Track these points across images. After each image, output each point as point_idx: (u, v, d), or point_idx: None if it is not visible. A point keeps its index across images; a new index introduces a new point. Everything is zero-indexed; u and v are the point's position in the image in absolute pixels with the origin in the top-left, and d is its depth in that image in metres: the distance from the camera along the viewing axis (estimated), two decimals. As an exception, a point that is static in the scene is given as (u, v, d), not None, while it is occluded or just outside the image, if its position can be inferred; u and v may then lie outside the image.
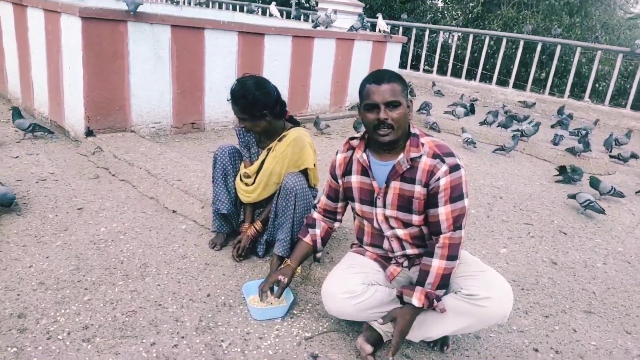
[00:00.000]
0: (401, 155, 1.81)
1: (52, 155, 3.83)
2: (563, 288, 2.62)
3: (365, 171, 1.92)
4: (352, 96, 6.63)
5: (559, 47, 9.39)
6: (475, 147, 5.47)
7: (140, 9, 4.08)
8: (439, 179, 1.75)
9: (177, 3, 9.83)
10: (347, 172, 2.00)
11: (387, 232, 1.94)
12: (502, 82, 10.35)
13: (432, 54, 11.57)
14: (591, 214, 3.80)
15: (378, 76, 1.79)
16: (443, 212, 1.76)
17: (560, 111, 8.32)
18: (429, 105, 6.72)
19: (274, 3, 9.45)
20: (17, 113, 4.08)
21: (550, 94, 9.75)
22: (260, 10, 12.65)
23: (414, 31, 11.22)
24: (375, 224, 1.96)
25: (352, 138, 2.01)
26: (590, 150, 5.43)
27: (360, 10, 9.46)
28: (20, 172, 3.43)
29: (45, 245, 2.50)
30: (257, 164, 2.48)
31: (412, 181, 1.80)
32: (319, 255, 2.21)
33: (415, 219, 1.85)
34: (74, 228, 2.71)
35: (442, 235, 1.77)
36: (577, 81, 11.80)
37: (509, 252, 2.99)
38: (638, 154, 5.60)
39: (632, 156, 5.49)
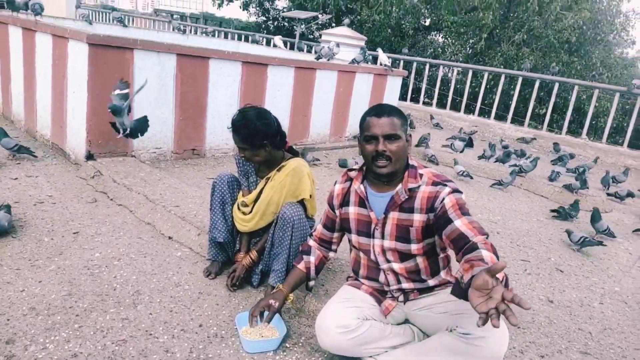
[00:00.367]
0: (399, 186, 1.84)
1: (51, 178, 3.84)
2: (559, 327, 2.60)
3: (362, 202, 1.94)
4: (352, 127, 6.70)
5: (556, 85, 9.55)
6: (471, 178, 5.51)
7: (147, 37, 4.17)
8: (443, 199, 1.76)
9: (184, 32, 10.04)
10: (345, 203, 2.02)
11: (384, 265, 1.95)
12: (501, 117, 10.48)
13: (432, 88, 11.76)
14: (588, 251, 3.79)
15: (379, 110, 1.85)
16: (461, 223, 1.66)
17: (555, 147, 8.40)
18: (428, 138, 6.78)
19: (279, 36, 9.66)
20: (2, 133, 4.09)
21: (548, 129, 9.86)
22: (264, 40, 12.92)
23: (414, 65, 11.43)
24: (372, 256, 1.96)
25: (351, 169, 2.04)
26: (588, 188, 5.46)
27: (362, 43, 9.69)
28: (18, 194, 3.43)
29: (38, 269, 2.48)
30: (255, 193, 2.49)
31: (410, 210, 1.83)
32: (311, 283, 2.20)
33: (414, 247, 1.85)
34: (68, 252, 2.70)
35: (477, 238, 1.57)
36: (576, 117, 11.98)
37: (506, 289, 2.96)
38: (635, 193, 5.63)
39: (628, 194, 5.52)
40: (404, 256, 1.90)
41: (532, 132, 9.56)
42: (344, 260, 2.79)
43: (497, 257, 1.51)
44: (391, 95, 7.23)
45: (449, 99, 10.78)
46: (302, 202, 2.44)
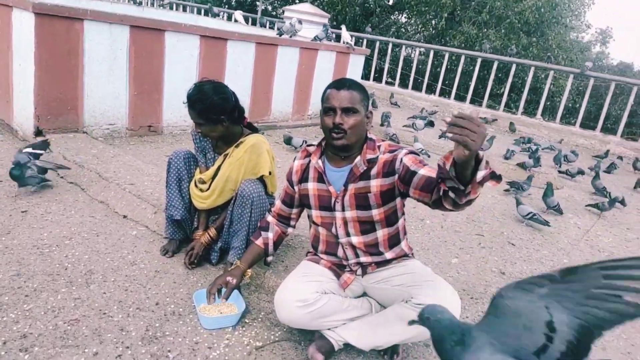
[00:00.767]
0: (358, 159, 1.84)
1: (-4, 155, 3.65)
2: (510, 298, 2.70)
3: (321, 178, 1.94)
4: (315, 105, 6.66)
5: (514, 66, 9.78)
6: (429, 156, 5.62)
7: (99, 7, 3.98)
8: (401, 159, 1.77)
9: (140, 4, 9.63)
10: (304, 179, 2.01)
11: (343, 239, 1.96)
12: (461, 98, 10.67)
13: (394, 67, 11.81)
14: (536, 225, 3.95)
15: (340, 83, 1.85)
16: (425, 172, 1.66)
17: (511, 127, 8.70)
18: (389, 117, 6.84)
19: (240, 11, 9.42)
20: None
21: (506, 109, 10.13)
22: (225, 15, 12.57)
23: (377, 44, 11.42)
24: (333, 230, 1.97)
25: (309, 145, 2.03)
26: (540, 166, 5.67)
27: (325, 21, 9.57)
28: (-40, 171, 3.24)
29: (-17, 250, 2.37)
30: (212, 169, 2.44)
31: (367, 178, 1.84)
32: (269, 259, 2.19)
33: (375, 213, 1.87)
34: (16, 232, 2.58)
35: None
36: (533, 97, 12.35)
37: (460, 262, 3.06)
38: (585, 170, 5.88)
39: (579, 172, 5.76)
40: (365, 228, 1.91)
41: (490, 112, 9.81)
42: (304, 237, 2.79)
43: None
44: (354, 73, 7.22)
45: (411, 78, 10.87)
46: (261, 179, 2.42)
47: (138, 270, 2.39)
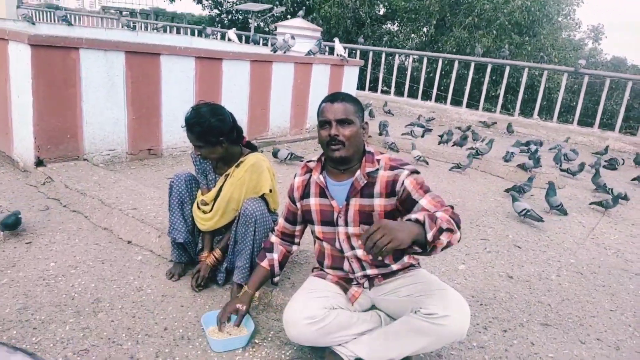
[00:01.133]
0: (358, 173, 1.85)
1: (-2, 188, 3.66)
2: (520, 301, 2.69)
3: (323, 192, 1.94)
4: (312, 119, 6.69)
5: (508, 68, 9.84)
6: (427, 163, 5.63)
7: (94, 35, 4.02)
8: (403, 182, 1.79)
9: (134, 29, 9.73)
10: (305, 195, 2.01)
11: (348, 253, 1.96)
12: (457, 102, 10.72)
13: (389, 76, 11.88)
14: (543, 226, 3.94)
15: (333, 96, 1.89)
16: (425, 202, 1.74)
17: (508, 128, 8.72)
18: (387, 125, 6.86)
19: (233, 29, 9.50)
20: None
21: (503, 111, 10.16)
22: (219, 34, 12.68)
23: (370, 54, 11.51)
24: (337, 245, 1.96)
25: (309, 161, 2.04)
26: (541, 166, 5.67)
27: (318, 34, 9.66)
28: (-37, 206, 3.25)
29: (-11, 284, 2.36)
30: (214, 190, 2.45)
31: (371, 195, 1.84)
32: (276, 279, 2.19)
33: None
34: (22, 264, 2.58)
35: (439, 211, 1.65)
36: (529, 97, 12.38)
37: (467, 268, 3.05)
38: (586, 167, 5.88)
39: (580, 170, 5.76)
40: None
41: (487, 115, 9.84)
42: (309, 252, 2.79)
43: (456, 222, 1.60)
44: (349, 85, 7.26)
45: (406, 86, 10.93)
46: (263, 197, 2.42)
47: (145, 296, 2.38)
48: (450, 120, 9.73)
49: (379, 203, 1.84)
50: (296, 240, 2.16)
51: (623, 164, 6.75)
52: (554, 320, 2.53)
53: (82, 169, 3.95)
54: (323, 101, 1.89)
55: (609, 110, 13.73)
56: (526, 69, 9.67)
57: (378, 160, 1.87)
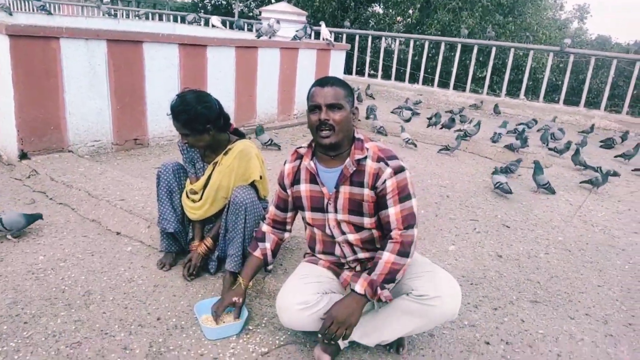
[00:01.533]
0: (347, 160, 1.84)
1: (-18, 182, 3.60)
2: (509, 280, 2.73)
3: (313, 179, 1.93)
4: (300, 104, 6.65)
5: (494, 49, 9.83)
6: (415, 146, 5.65)
7: (74, 24, 3.93)
8: (384, 181, 1.79)
9: (115, 16, 9.53)
10: (296, 181, 2.00)
11: (339, 238, 1.96)
12: (444, 84, 10.71)
13: (376, 60, 11.82)
14: (531, 204, 3.98)
15: (323, 80, 1.87)
16: (392, 212, 1.80)
17: (495, 109, 8.75)
18: (374, 110, 6.84)
19: (216, 16, 9.35)
20: None
21: (490, 92, 10.18)
22: (202, 21, 12.48)
23: (357, 38, 11.42)
24: (327, 230, 1.96)
25: (300, 147, 2.02)
26: (528, 146, 5.72)
27: (303, 19, 9.54)
28: (-54, 202, 3.19)
29: (-23, 280, 2.33)
30: (203, 179, 2.43)
31: (361, 184, 1.84)
32: (270, 267, 2.19)
33: (367, 221, 1.87)
34: (9, 259, 2.55)
35: (394, 232, 1.80)
36: (514, 77, 12.42)
37: (457, 249, 3.08)
38: (572, 146, 5.94)
39: (567, 148, 5.81)
40: (358, 227, 1.92)
41: (474, 96, 9.86)
42: (301, 238, 2.79)
43: (406, 252, 1.76)
44: (336, 69, 7.21)
45: (393, 69, 10.89)
46: (253, 184, 2.40)
47: (136, 287, 2.37)
48: (438, 103, 9.73)
49: (368, 193, 1.83)
50: (288, 227, 2.15)
51: (621, 143, 6.79)
52: (543, 297, 2.57)
53: (68, 160, 3.89)
54: (313, 85, 1.87)
55: (595, 88, 13.83)
56: (512, 50, 9.68)
57: (367, 149, 1.86)
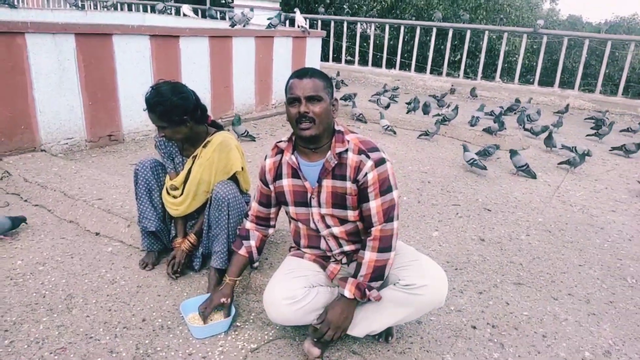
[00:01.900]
0: (328, 153, 1.82)
1: (-49, 186, 3.46)
2: (493, 263, 2.77)
3: (295, 173, 1.90)
4: (278, 94, 6.58)
5: (468, 32, 9.88)
6: (394, 133, 5.66)
7: (40, 17, 3.79)
8: (366, 174, 1.78)
9: (82, 8, 9.22)
10: (278, 176, 1.97)
11: (324, 232, 1.94)
12: (421, 69, 10.74)
13: (353, 46, 11.75)
14: (511, 187, 4.03)
15: (301, 72, 1.82)
16: (374, 206, 1.80)
17: (472, 93, 8.83)
18: (352, 97, 6.82)
19: (187, 5, 9.12)
20: None
21: (465, 76, 10.25)
22: (173, 10, 12.20)
23: (332, 24, 11.33)
24: (312, 225, 1.94)
25: (280, 141, 1.99)
26: (505, 129, 5.78)
27: (277, 5, 9.40)
28: None
29: (-49, 289, 2.25)
30: (183, 173, 2.38)
31: (343, 178, 1.82)
32: (256, 264, 2.17)
33: (351, 214, 1.86)
34: (-16, 265, 2.47)
35: (373, 228, 1.80)
36: (489, 60, 12.53)
37: (441, 235, 3.10)
38: (548, 127, 6.03)
39: (542, 130, 5.90)
40: (342, 220, 1.90)
41: (451, 80, 9.92)
42: (285, 231, 2.77)
43: (387, 246, 1.78)
44: (312, 57, 7.14)
45: (370, 55, 10.85)
46: (234, 177, 2.37)
47: (119, 288, 2.32)
48: (416, 88, 9.76)
49: (350, 186, 1.82)
50: (272, 223, 2.13)
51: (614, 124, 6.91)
52: (526, 279, 2.61)
53: (41, 160, 3.77)
54: (291, 77, 1.83)
55: (568, 69, 14.05)
56: (486, 32, 9.74)
57: (348, 141, 1.84)
